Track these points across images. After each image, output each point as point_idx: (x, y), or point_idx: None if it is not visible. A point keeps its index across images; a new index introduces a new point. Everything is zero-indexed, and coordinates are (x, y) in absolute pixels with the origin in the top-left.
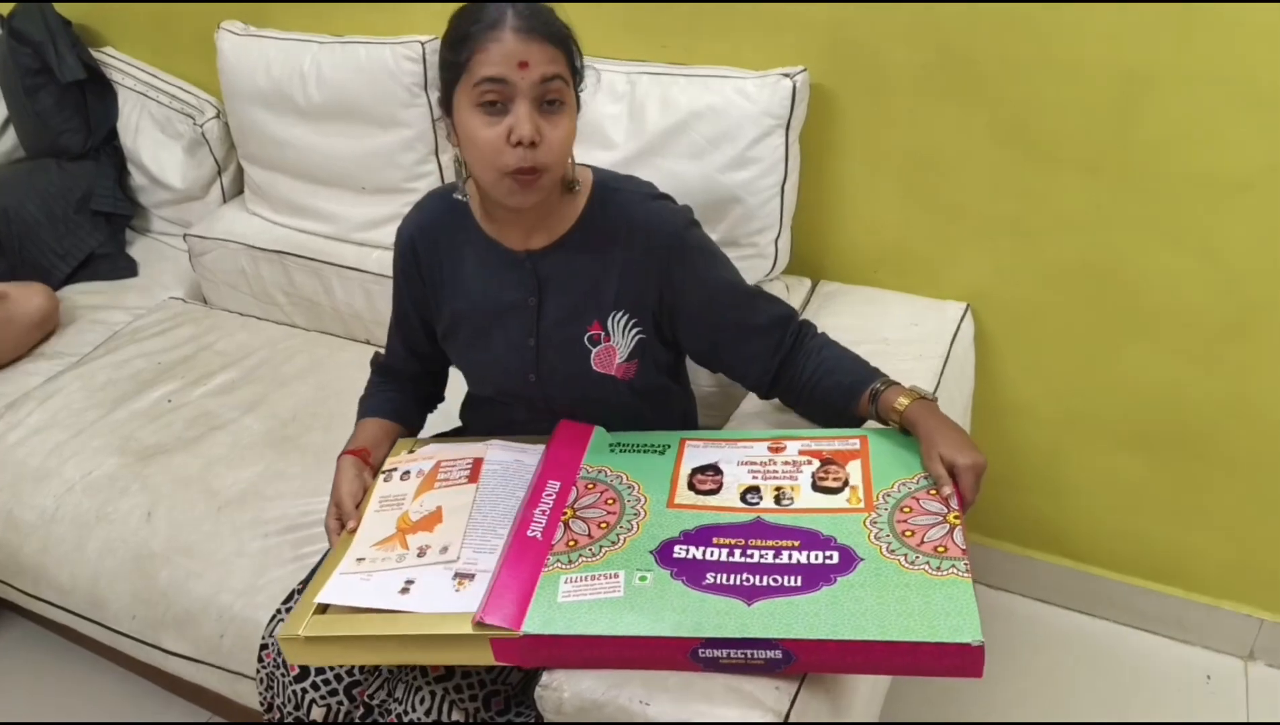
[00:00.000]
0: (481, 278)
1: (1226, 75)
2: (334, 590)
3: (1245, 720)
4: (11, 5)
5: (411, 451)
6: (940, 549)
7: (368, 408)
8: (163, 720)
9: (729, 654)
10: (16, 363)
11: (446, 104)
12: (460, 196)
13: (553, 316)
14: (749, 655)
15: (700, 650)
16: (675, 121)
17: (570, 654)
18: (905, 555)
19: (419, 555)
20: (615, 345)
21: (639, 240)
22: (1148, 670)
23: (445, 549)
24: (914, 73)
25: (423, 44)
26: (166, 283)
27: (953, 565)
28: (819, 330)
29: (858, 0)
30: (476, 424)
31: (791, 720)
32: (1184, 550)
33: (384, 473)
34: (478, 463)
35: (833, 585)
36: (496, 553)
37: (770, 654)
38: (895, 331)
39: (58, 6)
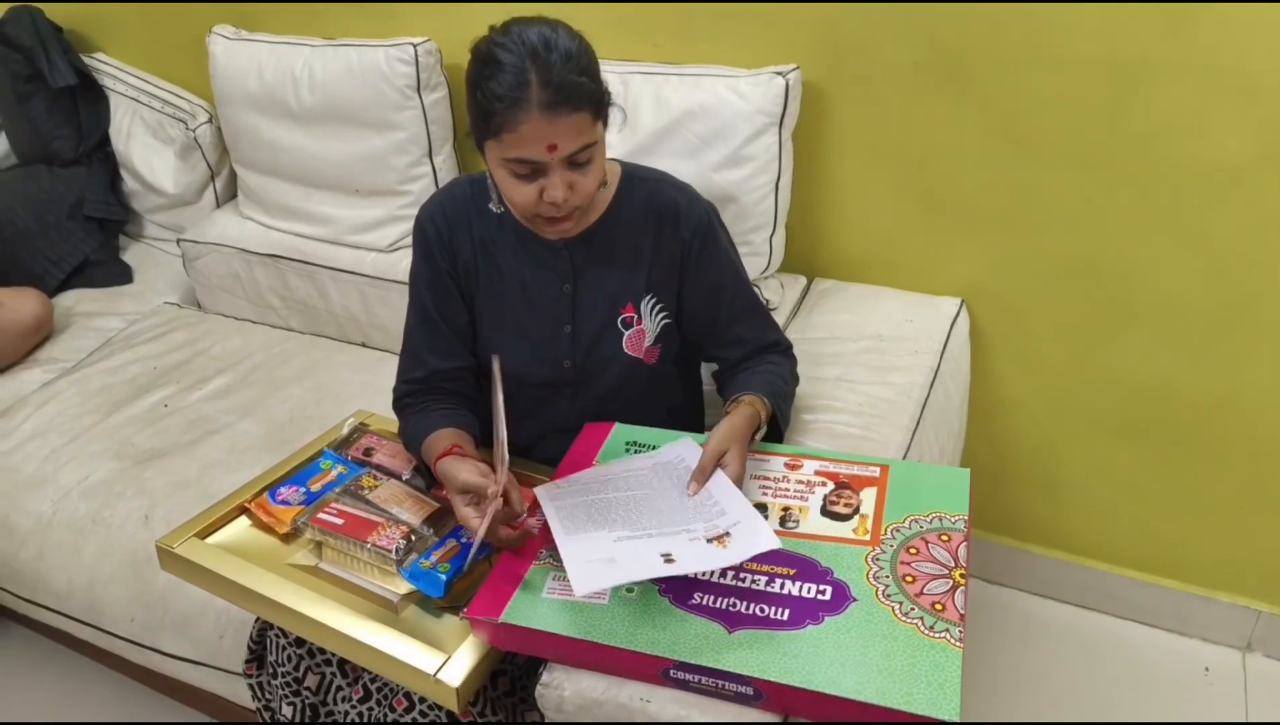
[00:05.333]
0: (518, 268)
1: (1216, 66)
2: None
3: (1244, 711)
4: (2, 11)
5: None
6: (938, 606)
7: (418, 432)
8: (161, 723)
9: (700, 680)
10: (11, 369)
11: (478, 142)
12: (495, 209)
13: (588, 302)
14: (720, 685)
15: (672, 671)
16: (669, 121)
17: (545, 647)
18: (900, 604)
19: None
20: (645, 328)
21: (668, 227)
22: (1146, 663)
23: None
24: (905, 69)
25: (415, 46)
26: (160, 288)
27: (947, 629)
28: (794, 365)
29: None
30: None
31: (790, 720)
32: (1180, 542)
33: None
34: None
35: (819, 625)
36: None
37: (741, 688)
38: (890, 328)
39: (48, 12)
